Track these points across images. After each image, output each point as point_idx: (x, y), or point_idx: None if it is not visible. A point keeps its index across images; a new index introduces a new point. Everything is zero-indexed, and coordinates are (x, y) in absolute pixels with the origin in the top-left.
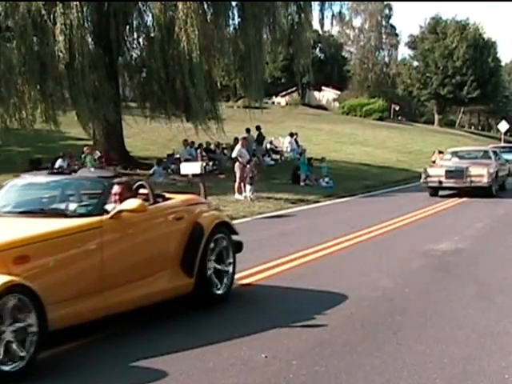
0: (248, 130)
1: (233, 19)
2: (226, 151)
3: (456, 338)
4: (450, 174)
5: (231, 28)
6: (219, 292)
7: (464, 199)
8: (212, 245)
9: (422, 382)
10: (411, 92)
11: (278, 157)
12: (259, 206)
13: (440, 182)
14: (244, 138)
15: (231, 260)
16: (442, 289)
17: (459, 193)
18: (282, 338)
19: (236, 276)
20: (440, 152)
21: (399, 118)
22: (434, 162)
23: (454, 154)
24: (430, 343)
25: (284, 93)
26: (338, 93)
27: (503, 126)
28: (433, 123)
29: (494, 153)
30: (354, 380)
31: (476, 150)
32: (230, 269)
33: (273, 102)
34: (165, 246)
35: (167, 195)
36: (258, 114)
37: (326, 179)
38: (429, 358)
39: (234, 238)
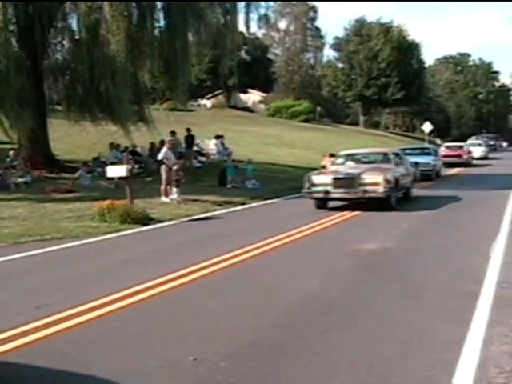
0: (173, 133)
1: (159, 22)
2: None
3: (383, 336)
4: (338, 182)
5: (157, 31)
6: None
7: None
8: None
9: (350, 381)
10: (336, 94)
11: (204, 159)
12: (186, 209)
13: (327, 193)
14: (170, 141)
15: None
16: (369, 288)
17: (351, 205)
18: (210, 340)
19: (163, 279)
20: (332, 155)
21: (324, 119)
22: (323, 167)
23: (348, 157)
24: (358, 342)
25: (210, 95)
26: (264, 95)
27: (427, 126)
28: (358, 124)
29: (396, 156)
30: (282, 381)
31: (374, 152)
32: None
33: (199, 105)
34: None
35: None
36: (184, 117)
37: (253, 181)
38: (356, 357)
39: None
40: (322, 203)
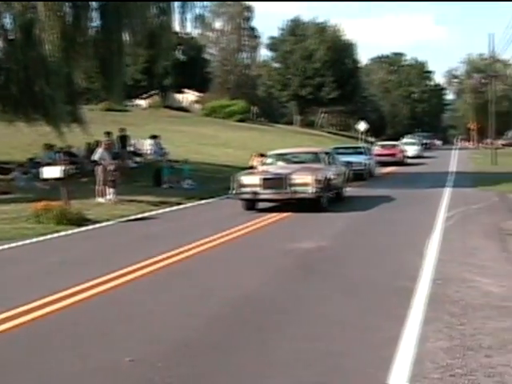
0: (108, 133)
1: (94, 21)
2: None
3: (322, 334)
4: (267, 182)
5: (92, 30)
6: None
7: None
8: None
9: (288, 380)
10: (272, 93)
11: (140, 159)
12: (122, 209)
13: (255, 194)
14: (106, 141)
15: None
16: (306, 287)
17: (281, 206)
18: (147, 341)
19: (100, 280)
20: (261, 155)
21: (260, 119)
22: (252, 167)
23: (278, 157)
24: (295, 341)
25: (145, 95)
26: (200, 95)
27: (362, 125)
28: (293, 124)
29: (327, 155)
30: (220, 380)
31: (304, 152)
32: None
33: (134, 105)
34: None
35: None
36: (120, 117)
37: (189, 181)
38: (294, 356)
39: None
40: (251, 204)
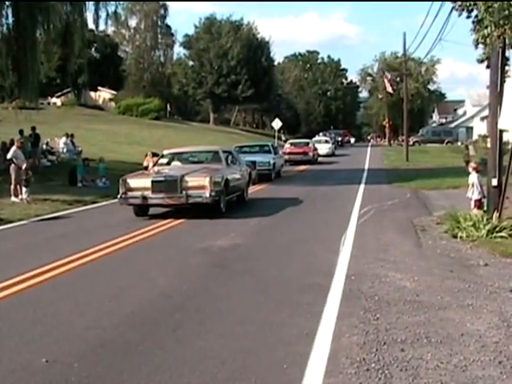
0: (21, 132)
1: (7, 18)
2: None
3: (236, 332)
4: (158, 185)
5: (5, 28)
6: None
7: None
8: None
9: (204, 378)
10: (187, 91)
11: (54, 158)
12: (36, 209)
13: (144, 198)
14: (20, 140)
15: None
16: (220, 284)
17: (175, 211)
18: (62, 341)
19: (13, 280)
20: (154, 154)
21: (175, 116)
22: (146, 168)
23: (174, 156)
24: (210, 339)
25: (60, 93)
26: (114, 93)
27: (276, 123)
28: (209, 122)
29: (229, 154)
30: (136, 379)
31: (203, 150)
32: None
33: (48, 103)
34: None
35: None
36: (33, 115)
37: (103, 179)
38: (209, 354)
39: None
40: (142, 210)
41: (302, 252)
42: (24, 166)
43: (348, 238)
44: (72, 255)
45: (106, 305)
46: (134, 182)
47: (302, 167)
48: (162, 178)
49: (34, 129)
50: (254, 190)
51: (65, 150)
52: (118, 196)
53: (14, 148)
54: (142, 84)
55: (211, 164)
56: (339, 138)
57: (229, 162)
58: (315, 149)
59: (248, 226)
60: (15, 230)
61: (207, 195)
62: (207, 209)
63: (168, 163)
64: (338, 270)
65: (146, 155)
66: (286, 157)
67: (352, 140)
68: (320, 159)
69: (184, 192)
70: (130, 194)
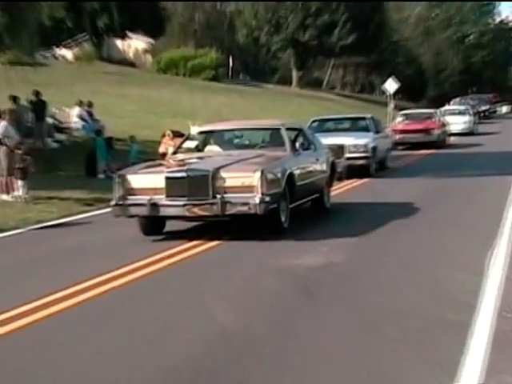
0: (15, 99)
1: None
2: None
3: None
4: (176, 185)
5: None
6: None
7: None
8: None
9: None
10: (258, 39)
11: (64, 137)
12: (38, 211)
13: (155, 206)
14: (11, 111)
15: None
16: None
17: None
18: None
19: (6, 315)
20: (177, 135)
21: (241, 76)
22: (163, 155)
23: (209, 137)
24: None
25: (71, 42)
26: (152, 41)
27: (391, 85)
28: (290, 83)
29: (298, 134)
30: None
31: (255, 127)
32: None
33: (55, 56)
34: None
35: None
36: (32, 74)
37: None
38: None
39: None
40: (152, 226)
41: (426, 272)
42: (19, 150)
43: (498, 255)
44: (91, 279)
45: (141, 351)
46: (137, 179)
47: (422, 152)
48: (182, 174)
49: (37, 94)
50: (340, 191)
51: (79, 126)
52: (112, 202)
53: (3, 123)
54: (191, 28)
55: (267, 150)
56: (484, 107)
57: (297, 146)
58: (444, 124)
59: (322, 255)
60: (6, 241)
61: (257, 201)
62: (258, 224)
63: (199, 149)
64: (483, 301)
65: (164, 135)
66: (397, 137)
67: (504, 109)
68: (452, 139)
69: (219, 196)
70: (131, 198)
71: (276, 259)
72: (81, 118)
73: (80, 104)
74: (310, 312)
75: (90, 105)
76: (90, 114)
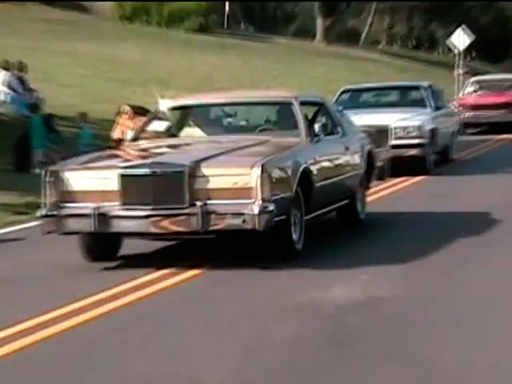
0: None
1: None
2: None
3: None
4: (135, 186)
5: None
6: None
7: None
8: None
9: None
10: None
11: None
12: None
13: (103, 217)
14: None
15: None
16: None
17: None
18: None
19: None
20: (138, 112)
21: (242, 26)
22: (119, 141)
23: (187, 115)
24: None
25: None
26: None
27: (460, 38)
28: (314, 37)
29: (318, 110)
30: None
31: (255, 101)
32: None
33: None
34: None
35: None
36: None
37: None
38: None
39: None
40: (100, 247)
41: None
42: None
43: None
44: (12, 326)
45: None
46: (78, 177)
47: (504, 137)
48: (144, 170)
49: None
50: (380, 195)
51: (5, 98)
52: (39, 213)
53: None
54: None
55: (273, 135)
56: None
57: (317, 129)
58: None
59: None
60: None
61: (255, 211)
62: (257, 244)
63: (171, 133)
64: None
65: (119, 113)
66: (467, 114)
67: None
68: None
69: (199, 203)
70: (68, 206)
71: (286, 293)
72: (8, 86)
73: (7, 66)
74: (340, 370)
75: (21, 68)
76: (22, 82)
